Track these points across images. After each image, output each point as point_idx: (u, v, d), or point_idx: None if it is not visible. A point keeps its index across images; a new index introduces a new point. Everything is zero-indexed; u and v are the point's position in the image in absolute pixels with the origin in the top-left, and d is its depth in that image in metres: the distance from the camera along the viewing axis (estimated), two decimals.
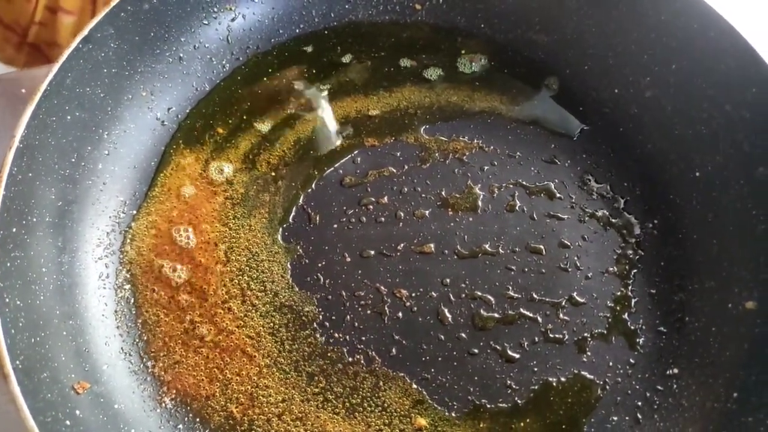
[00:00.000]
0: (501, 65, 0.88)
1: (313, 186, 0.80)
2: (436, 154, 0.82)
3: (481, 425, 0.69)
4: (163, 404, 0.69)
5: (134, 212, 0.78)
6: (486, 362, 0.72)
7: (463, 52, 0.89)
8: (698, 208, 0.77)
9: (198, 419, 0.69)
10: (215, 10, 0.85)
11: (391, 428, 0.69)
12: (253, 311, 0.73)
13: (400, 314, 0.74)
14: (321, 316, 0.74)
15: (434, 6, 0.90)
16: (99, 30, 0.73)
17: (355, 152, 0.82)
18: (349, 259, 0.76)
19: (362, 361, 0.72)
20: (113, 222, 0.76)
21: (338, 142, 0.83)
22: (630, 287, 0.75)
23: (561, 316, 0.74)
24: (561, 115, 0.85)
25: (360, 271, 0.76)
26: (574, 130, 0.84)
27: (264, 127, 0.84)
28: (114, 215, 0.77)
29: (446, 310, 0.74)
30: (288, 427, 0.68)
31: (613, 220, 0.79)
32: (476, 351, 0.72)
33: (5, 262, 0.64)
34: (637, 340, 0.73)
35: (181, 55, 0.83)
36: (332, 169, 0.81)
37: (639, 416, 0.69)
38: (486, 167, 0.82)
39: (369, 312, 0.74)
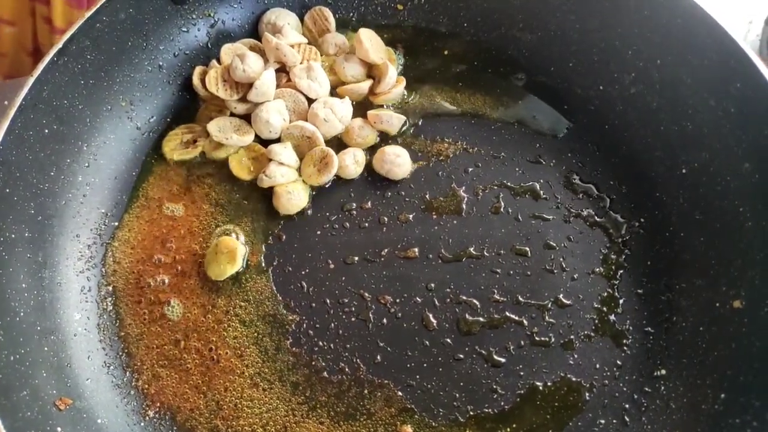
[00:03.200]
0: (484, 65, 0.87)
1: None
2: (420, 157, 0.82)
3: (467, 431, 0.68)
4: (147, 418, 0.69)
5: (116, 224, 0.77)
6: (472, 367, 0.71)
7: (445, 52, 0.88)
8: (685, 205, 0.76)
9: None
10: (194, 16, 0.84)
11: None
12: (237, 321, 0.73)
13: (385, 321, 0.73)
14: (305, 325, 0.73)
15: (416, 6, 0.89)
16: (74, 42, 0.73)
17: None
18: (332, 266, 0.76)
19: (347, 370, 0.71)
20: (95, 234, 0.76)
21: None
22: (617, 288, 0.74)
23: (547, 318, 0.73)
24: (546, 113, 0.84)
25: (344, 278, 0.75)
26: (559, 128, 0.83)
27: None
28: (95, 228, 0.76)
29: (431, 316, 0.73)
30: None
31: (599, 220, 0.78)
32: (462, 356, 0.71)
33: None
34: (625, 341, 0.72)
35: (161, 63, 0.83)
36: None
37: (626, 419, 0.69)
38: (470, 169, 0.81)
39: (353, 319, 0.73)
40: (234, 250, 0.74)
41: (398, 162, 0.79)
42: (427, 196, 0.79)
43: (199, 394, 0.70)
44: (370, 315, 0.73)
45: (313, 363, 0.71)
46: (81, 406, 0.66)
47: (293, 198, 0.77)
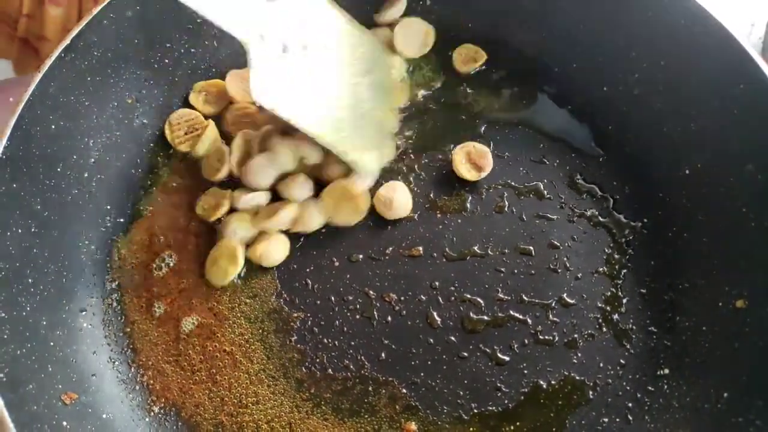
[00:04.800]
0: (489, 65, 0.87)
1: None
2: (424, 156, 0.82)
3: (471, 429, 0.69)
4: (152, 413, 0.69)
5: (121, 220, 0.77)
6: (476, 365, 0.71)
7: (449, 53, 0.88)
8: (688, 206, 0.76)
9: (187, 427, 0.69)
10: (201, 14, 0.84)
11: None
12: (242, 318, 0.73)
13: (389, 318, 0.73)
14: (309, 322, 0.73)
15: (423, 6, 0.90)
16: (82, 38, 0.73)
17: None
18: (337, 264, 0.76)
19: (351, 367, 0.71)
20: (100, 231, 0.76)
21: None
22: (620, 287, 0.75)
23: (551, 317, 0.73)
24: (550, 114, 0.84)
25: (348, 276, 0.75)
26: (563, 129, 0.83)
27: None
28: (101, 224, 0.76)
29: (435, 314, 0.74)
30: None
31: (603, 220, 0.78)
32: (466, 354, 0.72)
33: None
34: (628, 340, 0.72)
35: (167, 60, 0.83)
36: None
37: (629, 417, 0.69)
38: None
39: (358, 317, 0.74)
40: (233, 249, 0.74)
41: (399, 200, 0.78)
42: (431, 195, 0.80)
43: (203, 390, 0.70)
44: (375, 313, 0.74)
45: (318, 360, 0.71)
46: (86, 401, 0.66)
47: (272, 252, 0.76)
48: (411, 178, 0.80)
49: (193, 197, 0.79)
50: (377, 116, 0.78)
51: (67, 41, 0.72)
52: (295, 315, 0.74)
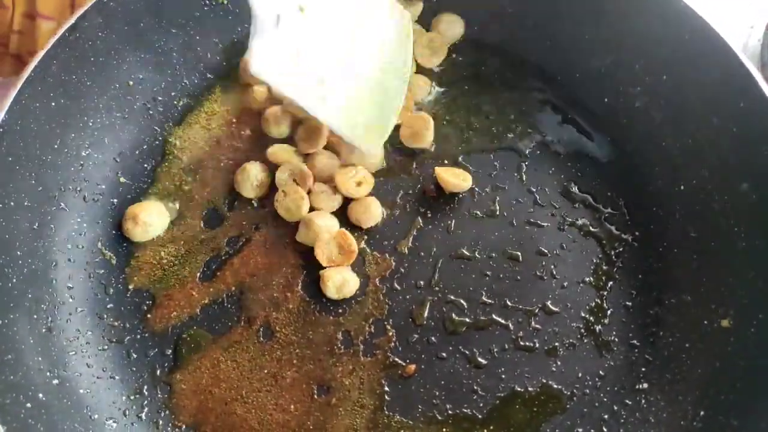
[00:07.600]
0: (489, 71, 0.87)
1: None
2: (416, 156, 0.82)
3: (444, 430, 0.68)
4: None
5: (114, 201, 0.78)
6: (454, 367, 0.71)
7: (453, 55, 0.88)
8: (680, 221, 0.76)
9: (168, 409, 0.70)
10: (208, 1, 0.85)
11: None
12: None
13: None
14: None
15: (431, 5, 0.90)
16: (86, 19, 0.74)
17: None
18: None
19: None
20: (92, 209, 0.77)
21: None
22: (605, 298, 0.74)
23: (533, 324, 0.73)
24: (549, 122, 0.84)
25: None
26: (561, 138, 0.83)
27: None
28: (93, 203, 0.77)
29: (418, 313, 0.74)
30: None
31: (594, 230, 0.78)
32: (445, 355, 0.72)
33: None
34: (609, 352, 0.72)
35: (172, 45, 0.83)
36: None
37: (604, 429, 0.69)
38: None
39: None
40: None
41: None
42: (422, 195, 0.80)
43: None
44: None
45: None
46: (65, 376, 0.67)
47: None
48: (403, 176, 0.80)
49: (186, 181, 0.80)
50: (383, 81, 0.75)
51: (72, 21, 0.73)
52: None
